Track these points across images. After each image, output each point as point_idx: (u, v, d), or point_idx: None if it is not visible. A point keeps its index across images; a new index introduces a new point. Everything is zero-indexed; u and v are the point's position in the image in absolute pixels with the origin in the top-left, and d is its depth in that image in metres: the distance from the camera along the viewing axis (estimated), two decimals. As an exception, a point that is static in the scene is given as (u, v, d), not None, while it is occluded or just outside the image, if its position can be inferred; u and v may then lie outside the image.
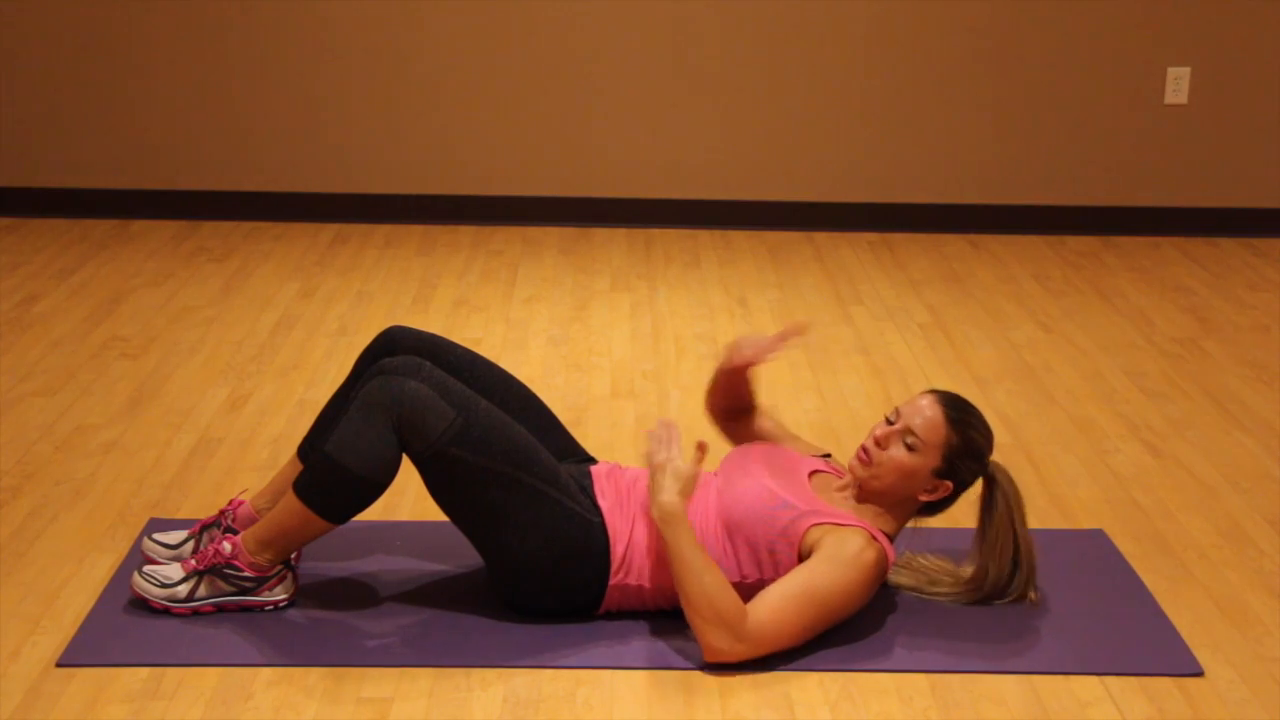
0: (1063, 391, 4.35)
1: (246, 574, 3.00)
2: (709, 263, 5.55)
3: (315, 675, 2.83)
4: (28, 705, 2.73)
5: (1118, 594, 3.19)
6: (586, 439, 3.85)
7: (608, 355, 4.57)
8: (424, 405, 2.91)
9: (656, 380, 4.38)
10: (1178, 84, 5.91)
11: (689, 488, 2.93)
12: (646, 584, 2.99)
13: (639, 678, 2.85)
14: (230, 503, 3.23)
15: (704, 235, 5.89)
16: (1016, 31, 5.88)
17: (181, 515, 3.47)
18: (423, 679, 2.83)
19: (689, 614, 2.85)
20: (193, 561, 3.02)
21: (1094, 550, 3.39)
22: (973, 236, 5.94)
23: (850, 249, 5.76)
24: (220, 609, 3.01)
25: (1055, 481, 3.76)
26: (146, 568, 3.04)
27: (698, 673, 2.86)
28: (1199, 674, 2.90)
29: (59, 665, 2.84)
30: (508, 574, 2.99)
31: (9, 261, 5.36)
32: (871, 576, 2.93)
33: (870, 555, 2.91)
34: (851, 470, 3.07)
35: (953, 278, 5.43)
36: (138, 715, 2.70)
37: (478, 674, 2.85)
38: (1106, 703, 2.81)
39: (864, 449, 3.05)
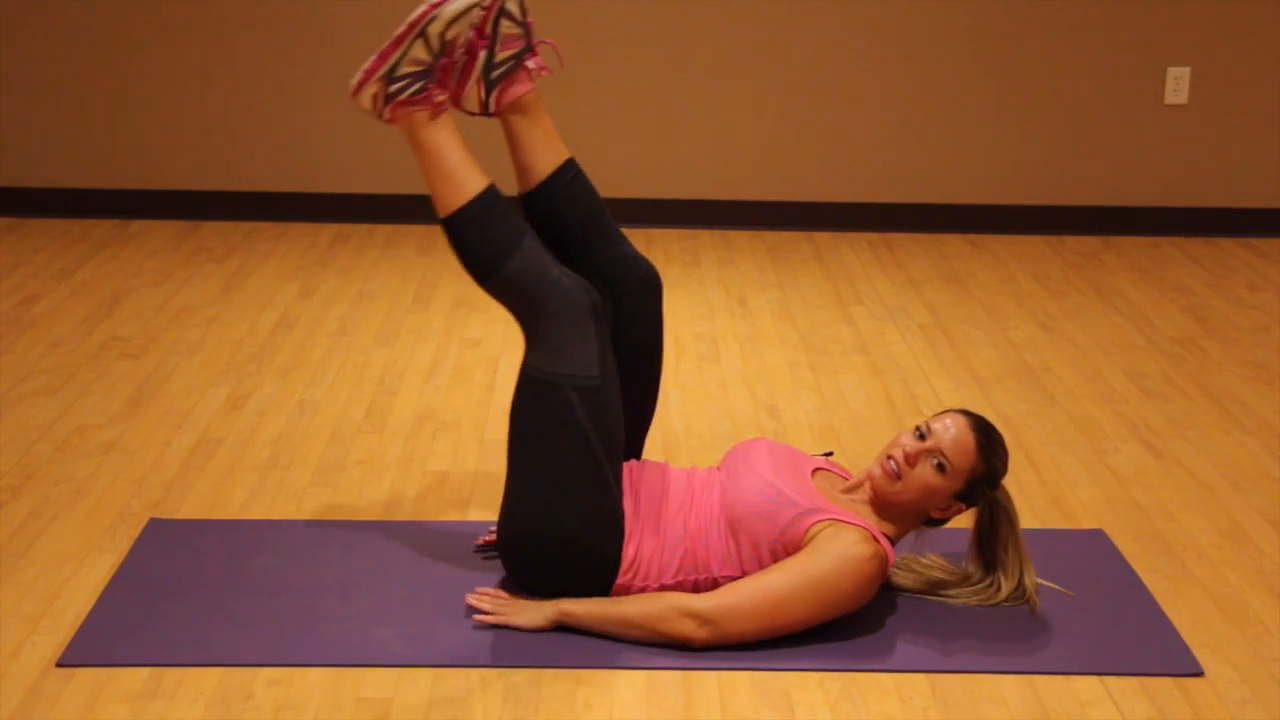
0: (1063, 391, 4.36)
1: (398, 103, 3.04)
2: (709, 263, 5.55)
3: (315, 675, 2.84)
4: (28, 705, 2.73)
5: (1118, 594, 3.19)
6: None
7: (608, 355, 4.57)
8: (588, 342, 2.95)
9: (656, 380, 4.37)
10: (1178, 84, 5.92)
11: (539, 609, 2.96)
12: (653, 586, 2.99)
13: (639, 678, 2.85)
14: (539, 64, 3.30)
15: (704, 235, 5.89)
16: (1016, 32, 5.88)
17: (181, 515, 3.47)
18: (423, 679, 2.83)
19: (652, 639, 2.91)
20: (442, 58, 3.04)
21: (1094, 550, 3.39)
22: (973, 236, 5.94)
23: (850, 249, 5.76)
24: (390, 45, 3.01)
25: (1055, 481, 3.76)
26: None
27: (698, 673, 2.86)
28: (1199, 674, 2.90)
29: (59, 665, 2.84)
30: (525, 536, 2.98)
31: (9, 261, 5.36)
32: (864, 572, 2.92)
33: (864, 550, 2.91)
34: (872, 479, 3.06)
35: (953, 278, 5.43)
36: (138, 715, 2.71)
37: (478, 674, 2.85)
38: (1106, 703, 2.81)
39: (892, 461, 3.03)
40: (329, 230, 5.84)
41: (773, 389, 4.34)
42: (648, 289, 3.24)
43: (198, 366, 4.41)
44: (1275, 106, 5.94)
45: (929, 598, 3.13)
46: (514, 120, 3.25)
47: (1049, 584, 3.16)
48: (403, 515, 3.50)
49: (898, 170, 6.00)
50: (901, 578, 3.16)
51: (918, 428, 3.06)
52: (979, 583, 3.12)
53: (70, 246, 5.55)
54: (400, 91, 3.06)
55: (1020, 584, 3.09)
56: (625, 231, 3.33)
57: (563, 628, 2.97)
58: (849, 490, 3.10)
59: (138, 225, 5.85)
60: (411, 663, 2.88)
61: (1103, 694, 2.84)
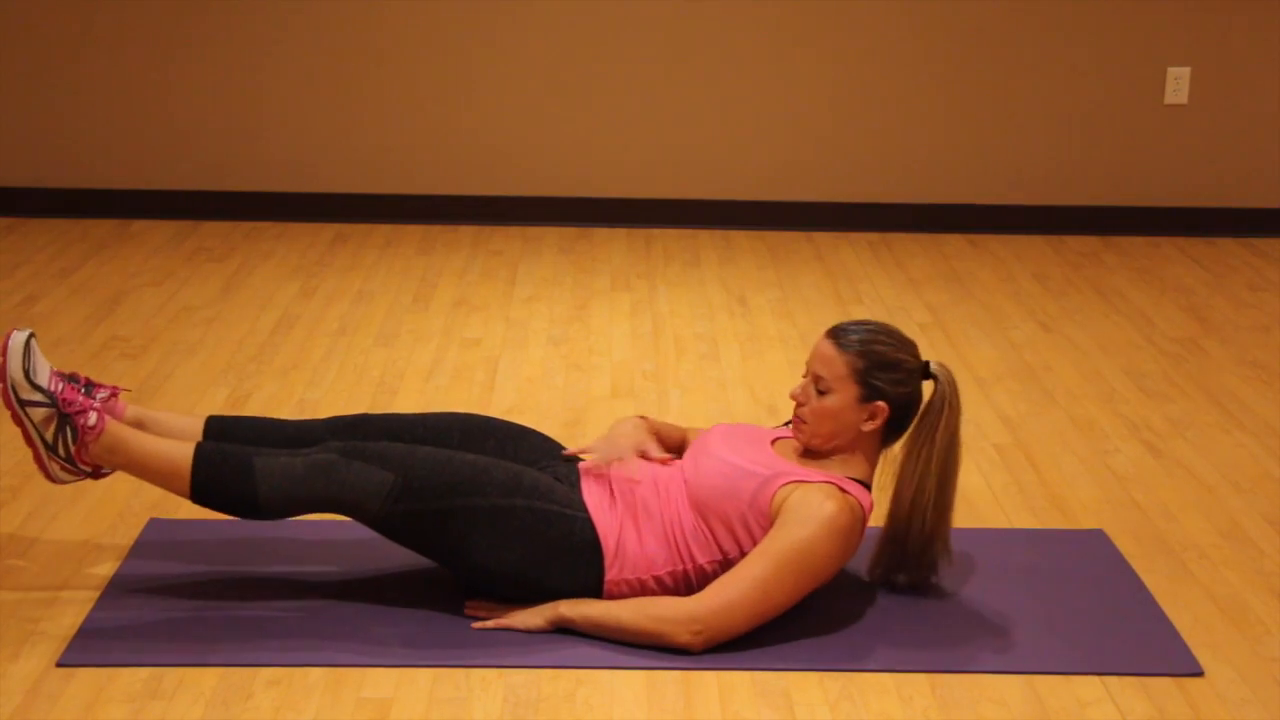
0: (1063, 391, 4.36)
1: (77, 453, 3.00)
2: (709, 263, 5.55)
3: (315, 675, 2.84)
4: (28, 705, 2.73)
5: (1118, 594, 3.19)
6: (586, 439, 3.85)
7: (608, 355, 4.58)
8: (362, 477, 2.94)
9: (656, 380, 4.38)
10: (1178, 84, 5.91)
11: (539, 611, 2.98)
12: (645, 576, 2.99)
13: (639, 678, 2.85)
14: (110, 387, 3.20)
15: (704, 235, 5.89)
16: (1016, 32, 5.88)
17: (181, 515, 3.46)
18: (423, 679, 2.83)
19: (649, 644, 2.90)
20: (62, 389, 3.00)
21: (1094, 550, 3.39)
22: (973, 236, 5.94)
23: (850, 249, 5.76)
24: (24, 434, 2.99)
25: (1055, 481, 3.76)
26: (35, 349, 3.01)
27: (697, 672, 2.86)
28: (1199, 674, 2.90)
29: (59, 665, 2.84)
30: (503, 589, 3.01)
31: (9, 261, 5.36)
32: (839, 526, 2.91)
33: (831, 506, 2.90)
34: (796, 439, 3.08)
35: (953, 277, 5.43)
36: (138, 715, 2.71)
37: (478, 674, 2.85)
38: (1106, 703, 2.81)
39: (794, 415, 3.07)
40: (329, 230, 5.84)
41: (773, 389, 4.34)
42: (350, 428, 3.21)
43: (198, 366, 4.41)
44: (1275, 106, 5.94)
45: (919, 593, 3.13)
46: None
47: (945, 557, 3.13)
48: (403, 515, 3.49)
49: (898, 170, 6.00)
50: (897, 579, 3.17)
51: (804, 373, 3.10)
52: (897, 494, 3.08)
53: (70, 246, 5.55)
54: (68, 447, 3.00)
55: (936, 486, 3.04)
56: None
57: (562, 628, 2.97)
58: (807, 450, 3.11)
59: (138, 225, 5.85)
60: (411, 663, 2.88)
61: (1103, 694, 2.84)
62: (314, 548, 3.29)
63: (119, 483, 3.62)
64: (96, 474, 3.06)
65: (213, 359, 4.47)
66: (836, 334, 3.05)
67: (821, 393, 3.02)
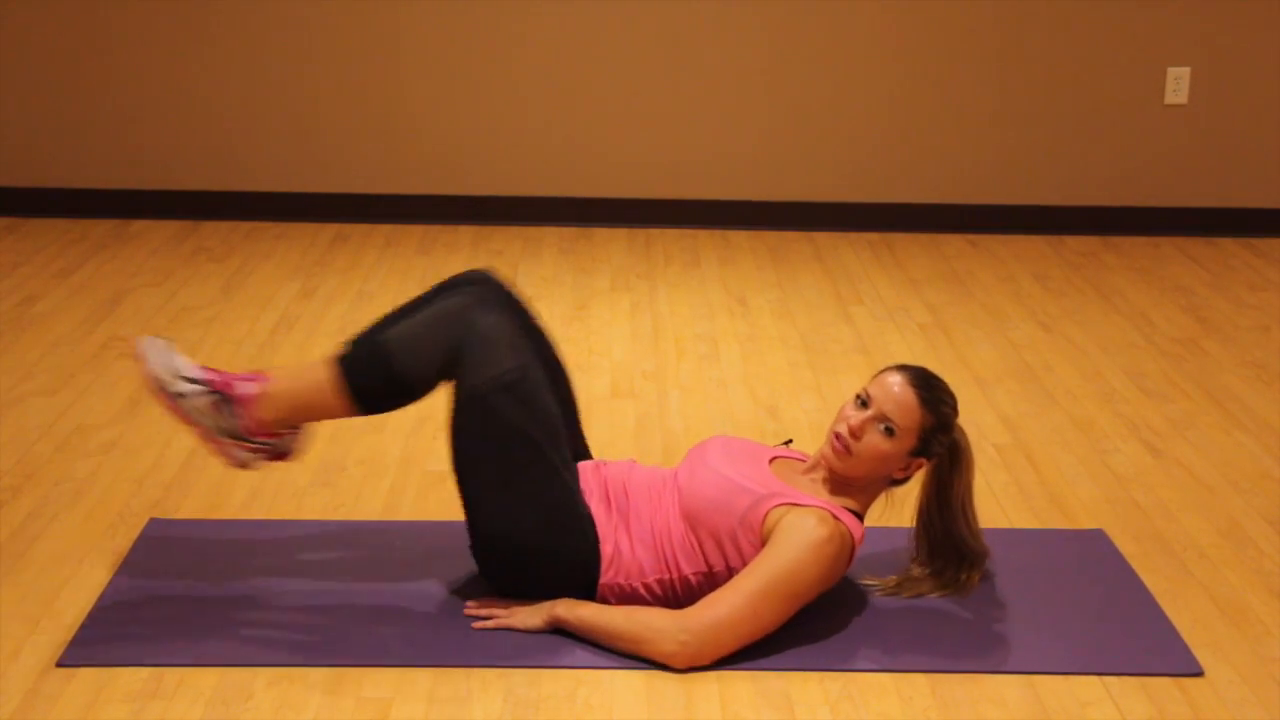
0: (1063, 391, 4.36)
1: (246, 428, 3.01)
2: (709, 263, 5.55)
3: (315, 675, 2.84)
4: (28, 705, 2.73)
5: (1118, 594, 3.19)
6: (587, 440, 3.86)
7: (608, 355, 4.58)
8: (493, 342, 2.96)
9: (656, 380, 4.38)
10: (1178, 84, 5.92)
11: (537, 611, 2.99)
12: (635, 583, 2.99)
13: (639, 678, 2.85)
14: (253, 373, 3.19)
15: (704, 235, 5.89)
16: (1016, 32, 5.88)
17: (181, 515, 3.47)
18: (423, 679, 2.83)
19: (636, 652, 2.89)
20: (213, 375, 3.02)
21: (1094, 550, 3.39)
22: (973, 236, 5.94)
23: (850, 249, 5.76)
24: (197, 431, 3.01)
25: (1055, 481, 3.76)
26: (173, 349, 3.03)
27: (698, 672, 2.86)
28: (1199, 674, 2.90)
29: (59, 665, 2.84)
30: (496, 546, 3.00)
31: (9, 261, 5.36)
32: (826, 554, 2.90)
33: (822, 533, 2.89)
34: (825, 460, 3.06)
35: (953, 278, 5.43)
36: (138, 715, 2.71)
37: (478, 674, 2.85)
38: (1106, 703, 2.81)
39: (839, 438, 3.02)
40: (329, 230, 5.84)
41: (773, 389, 4.34)
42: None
43: (198, 366, 4.40)
44: (1275, 106, 5.94)
45: (910, 596, 3.13)
46: None
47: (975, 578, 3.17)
48: (403, 515, 3.50)
49: (898, 170, 6.00)
50: (887, 590, 3.16)
51: (858, 395, 3.06)
52: (942, 545, 3.14)
53: (70, 246, 5.55)
54: (233, 424, 3.02)
55: (965, 536, 3.11)
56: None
57: (561, 629, 2.97)
58: (808, 472, 3.10)
59: (138, 225, 5.85)
60: (411, 663, 2.88)
61: (1103, 694, 2.84)
62: (314, 548, 3.30)
63: (118, 483, 3.62)
64: (276, 452, 3.06)
65: (213, 359, 4.46)
66: (919, 385, 3.03)
67: (887, 432, 3.00)
